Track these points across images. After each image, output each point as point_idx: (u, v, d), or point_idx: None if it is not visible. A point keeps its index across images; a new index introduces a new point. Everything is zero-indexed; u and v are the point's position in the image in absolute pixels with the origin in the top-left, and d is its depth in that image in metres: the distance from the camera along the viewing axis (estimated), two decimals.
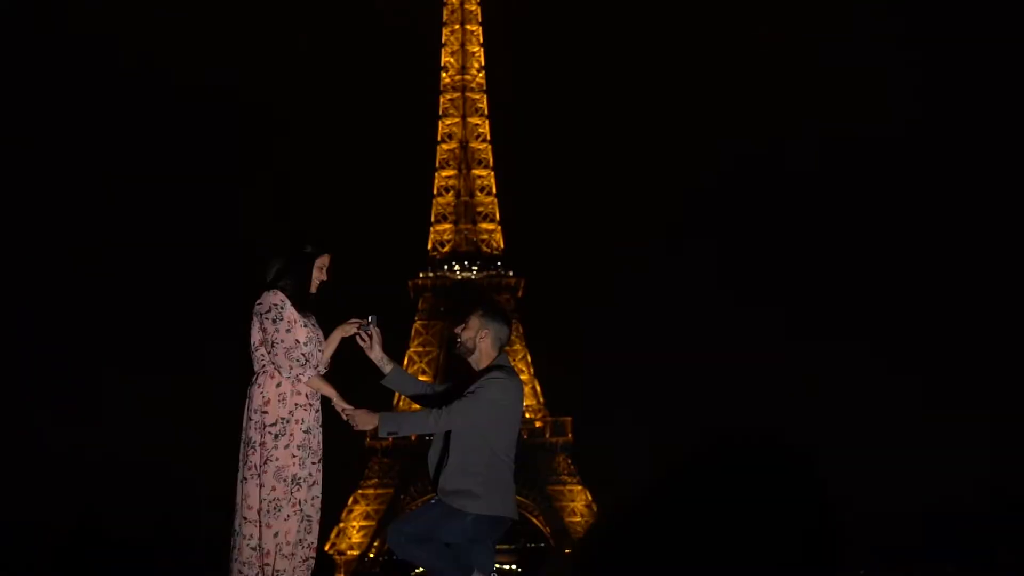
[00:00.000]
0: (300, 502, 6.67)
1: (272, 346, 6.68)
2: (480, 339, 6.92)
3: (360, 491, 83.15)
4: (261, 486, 6.60)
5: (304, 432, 6.74)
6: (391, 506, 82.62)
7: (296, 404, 6.73)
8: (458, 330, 6.99)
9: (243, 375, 6.92)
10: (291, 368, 6.68)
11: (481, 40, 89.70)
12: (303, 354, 6.71)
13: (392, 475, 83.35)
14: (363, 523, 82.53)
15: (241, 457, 6.72)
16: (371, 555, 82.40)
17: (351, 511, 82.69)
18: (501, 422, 6.68)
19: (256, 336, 6.75)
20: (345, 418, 6.83)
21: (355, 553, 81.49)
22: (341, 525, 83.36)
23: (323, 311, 7.06)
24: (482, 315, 6.96)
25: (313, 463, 6.77)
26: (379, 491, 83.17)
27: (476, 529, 6.66)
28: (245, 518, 6.59)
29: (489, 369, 6.80)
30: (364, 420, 6.74)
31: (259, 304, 6.74)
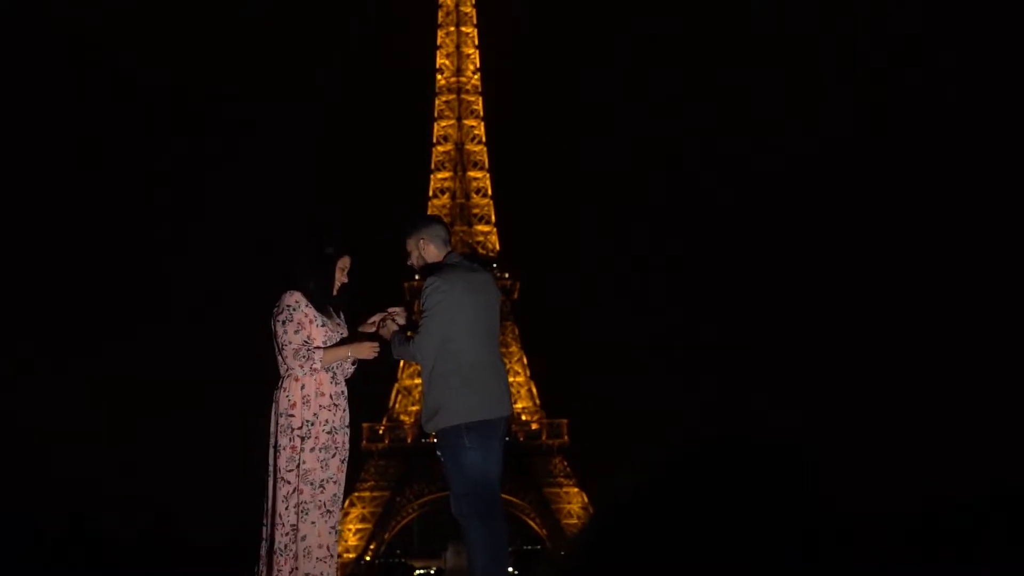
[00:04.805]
0: (324, 503, 6.66)
1: (281, 349, 6.63)
2: (423, 252, 6.86)
3: (356, 493, 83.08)
4: (294, 491, 6.60)
5: (328, 433, 6.70)
6: (387, 508, 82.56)
7: (320, 406, 6.68)
8: (408, 263, 6.96)
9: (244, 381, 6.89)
10: (302, 366, 6.61)
11: (476, 42, 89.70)
12: (309, 349, 6.64)
13: (388, 477, 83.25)
14: (359, 526, 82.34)
15: (270, 461, 6.72)
16: (367, 558, 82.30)
17: (347, 513, 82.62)
18: (455, 319, 6.58)
19: (275, 340, 6.72)
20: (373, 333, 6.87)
21: (351, 556, 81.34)
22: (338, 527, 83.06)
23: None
24: (410, 235, 6.90)
25: (342, 460, 6.76)
26: (375, 493, 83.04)
27: (454, 439, 6.59)
28: (264, 521, 6.65)
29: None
30: (367, 350, 6.80)
31: (276, 307, 6.70)
